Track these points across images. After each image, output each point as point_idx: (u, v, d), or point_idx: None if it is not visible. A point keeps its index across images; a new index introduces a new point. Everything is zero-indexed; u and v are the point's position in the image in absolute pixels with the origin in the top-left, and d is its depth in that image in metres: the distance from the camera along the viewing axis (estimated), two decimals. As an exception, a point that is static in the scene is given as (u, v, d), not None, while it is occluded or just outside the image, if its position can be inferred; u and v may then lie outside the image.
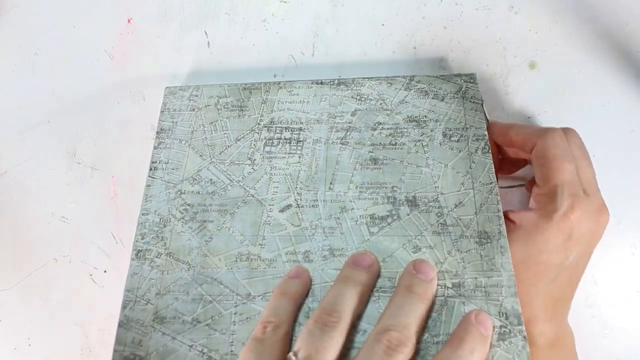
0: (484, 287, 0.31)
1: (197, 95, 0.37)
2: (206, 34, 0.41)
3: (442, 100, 0.36)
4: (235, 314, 0.32)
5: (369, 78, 0.37)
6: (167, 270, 0.33)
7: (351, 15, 0.40)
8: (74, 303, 0.40)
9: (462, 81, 0.36)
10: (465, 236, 0.32)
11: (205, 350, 0.31)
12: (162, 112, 0.37)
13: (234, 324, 0.31)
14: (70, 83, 0.41)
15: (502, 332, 0.30)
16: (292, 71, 0.40)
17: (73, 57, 0.41)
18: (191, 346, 0.31)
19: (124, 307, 0.32)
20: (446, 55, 0.40)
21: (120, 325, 0.32)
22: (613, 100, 0.39)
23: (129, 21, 0.41)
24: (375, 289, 0.32)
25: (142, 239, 0.34)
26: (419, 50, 0.39)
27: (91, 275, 0.40)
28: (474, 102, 0.36)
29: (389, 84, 0.37)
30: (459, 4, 0.39)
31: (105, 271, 0.40)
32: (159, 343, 0.31)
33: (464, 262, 0.32)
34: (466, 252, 0.32)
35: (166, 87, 0.38)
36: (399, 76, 0.37)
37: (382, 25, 0.40)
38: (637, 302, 0.38)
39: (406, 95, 0.36)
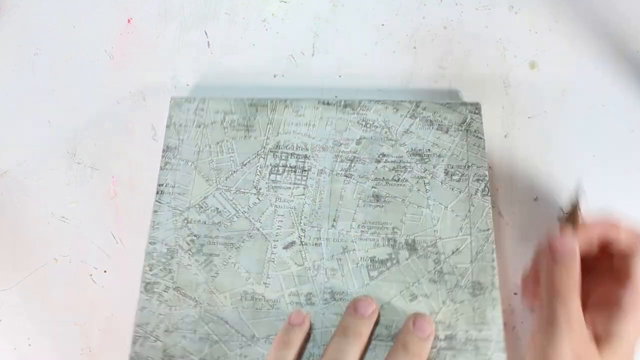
0: (474, 340, 0.32)
1: (202, 110, 0.37)
2: (206, 34, 0.41)
3: (447, 132, 0.36)
4: (239, 355, 0.32)
5: (375, 101, 0.37)
6: (175, 306, 0.33)
7: (351, 15, 0.40)
8: (74, 303, 0.40)
9: (467, 111, 0.36)
10: (460, 286, 0.33)
11: None
12: (167, 127, 0.37)
13: None
14: (70, 83, 0.41)
15: None
16: (292, 71, 0.40)
17: (73, 57, 0.41)
18: None
19: (134, 342, 0.33)
20: (446, 55, 0.40)
21: None
22: (613, 100, 0.39)
23: (129, 21, 0.41)
24: (372, 337, 0.32)
25: (150, 270, 0.34)
26: (419, 50, 0.39)
27: (91, 275, 0.40)
28: (477, 136, 0.36)
29: (394, 110, 0.37)
30: (459, 4, 0.39)
31: (105, 271, 0.40)
32: None
33: (457, 313, 0.32)
34: (460, 302, 0.32)
35: (172, 98, 0.38)
36: (405, 101, 0.37)
37: (382, 25, 0.40)
38: (637, 302, 0.38)
39: (411, 124, 0.36)
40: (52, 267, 0.40)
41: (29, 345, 0.40)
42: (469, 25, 0.39)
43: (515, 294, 0.39)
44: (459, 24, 0.39)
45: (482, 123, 0.36)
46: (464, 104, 0.37)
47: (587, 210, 0.33)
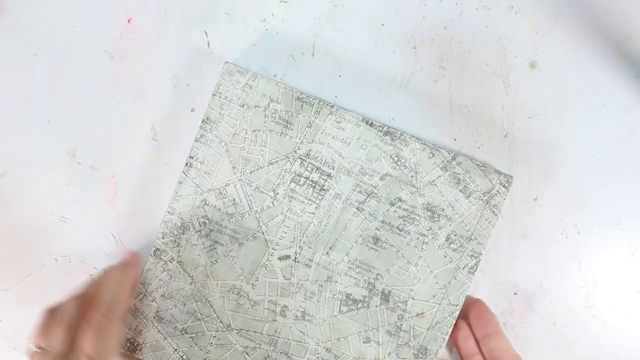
0: None
1: (251, 87, 0.37)
2: (206, 34, 0.41)
3: (468, 197, 0.36)
4: (214, 337, 0.37)
5: (416, 139, 0.37)
6: (175, 277, 0.37)
7: (351, 15, 0.40)
8: (74, 303, 0.40)
9: (498, 182, 0.37)
10: (409, 345, 0.36)
11: (184, 357, 0.37)
12: (213, 95, 0.38)
13: (210, 345, 0.37)
14: (70, 83, 0.41)
15: None
16: (292, 71, 0.40)
17: (73, 57, 0.41)
18: (175, 350, 0.37)
19: (135, 296, 0.37)
20: (446, 55, 0.40)
21: (130, 311, 0.37)
22: (613, 100, 0.39)
23: (129, 21, 0.41)
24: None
25: (162, 238, 0.37)
26: (419, 50, 0.39)
27: (91, 275, 0.40)
28: (493, 212, 0.36)
29: (431, 154, 0.37)
30: (459, 4, 0.39)
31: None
32: (154, 338, 0.37)
33: None
34: (402, 359, 0.36)
35: (225, 62, 0.38)
36: (444, 149, 0.37)
37: (382, 25, 0.40)
38: (637, 302, 0.38)
39: (439, 177, 0.37)
40: (52, 267, 0.40)
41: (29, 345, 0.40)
42: (469, 25, 0.39)
43: (515, 294, 0.39)
44: (459, 24, 0.39)
45: (505, 199, 0.37)
46: (498, 172, 0.37)
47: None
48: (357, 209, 0.36)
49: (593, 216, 0.39)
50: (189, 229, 0.37)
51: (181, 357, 0.36)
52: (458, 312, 0.36)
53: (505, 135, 0.39)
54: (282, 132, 0.37)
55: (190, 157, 0.37)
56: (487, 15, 0.39)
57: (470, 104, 0.39)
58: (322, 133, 0.37)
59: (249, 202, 0.37)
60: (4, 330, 0.40)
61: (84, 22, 0.41)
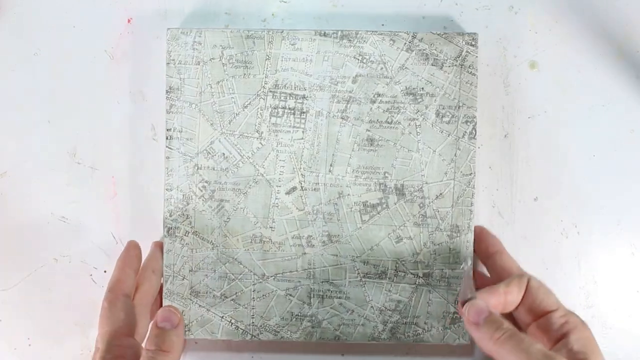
0: (448, 278, 0.36)
1: (200, 43, 0.37)
2: (206, 34, 0.41)
3: (441, 68, 0.36)
4: (253, 291, 0.37)
5: (372, 32, 0.37)
6: (195, 248, 0.37)
7: (351, 15, 0.40)
8: (74, 303, 0.40)
9: (464, 43, 0.36)
10: (440, 229, 0.36)
11: (232, 321, 0.37)
12: (167, 64, 0.37)
13: (253, 300, 0.37)
14: (70, 83, 0.41)
15: (453, 317, 0.36)
16: (292, 71, 0.40)
17: (73, 57, 0.41)
18: (222, 317, 0.37)
19: (165, 281, 0.37)
20: (446, 55, 0.40)
21: (165, 297, 0.37)
22: (613, 100, 0.39)
23: (129, 21, 0.41)
24: (362, 274, 0.36)
25: (170, 216, 0.37)
26: (419, 50, 0.39)
27: (91, 275, 0.40)
28: (470, 72, 0.36)
29: (391, 42, 0.36)
30: (459, 4, 0.39)
31: (105, 271, 0.40)
32: (197, 313, 0.37)
33: (435, 254, 0.36)
34: (438, 244, 0.36)
35: (168, 29, 0.37)
36: (402, 32, 0.37)
37: (382, 25, 0.40)
38: (637, 302, 0.38)
39: (407, 59, 0.36)
40: (52, 267, 0.40)
41: (29, 345, 0.40)
42: (469, 25, 0.39)
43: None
44: (459, 24, 0.39)
45: (477, 56, 0.36)
46: (461, 34, 0.36)
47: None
48: (342, 118, 0.36)
49: (593, 216, 0.39)
50: (192, 198, 0.37)
51: (230, 322, 0.36)
52: (474, 180, 0.36)
53: (505, 135, 0.39)
54: (245, 74, 0.37)
55: (167, 129, 0.37)
56: (487, 15, 0.39)
57: (470, 104, 0.39)
58: (282, 60, 0.37)
59: (238, 151, 0.37)
60: (4, 330, 0.40)
61: (84, 22, 0.41)
